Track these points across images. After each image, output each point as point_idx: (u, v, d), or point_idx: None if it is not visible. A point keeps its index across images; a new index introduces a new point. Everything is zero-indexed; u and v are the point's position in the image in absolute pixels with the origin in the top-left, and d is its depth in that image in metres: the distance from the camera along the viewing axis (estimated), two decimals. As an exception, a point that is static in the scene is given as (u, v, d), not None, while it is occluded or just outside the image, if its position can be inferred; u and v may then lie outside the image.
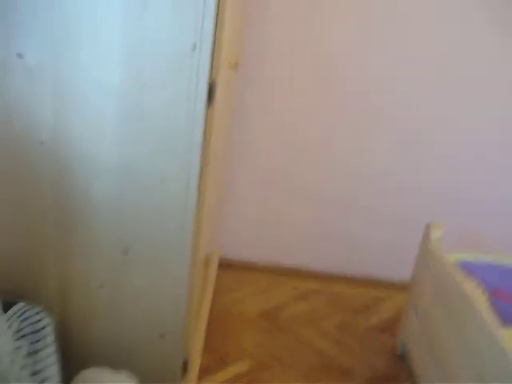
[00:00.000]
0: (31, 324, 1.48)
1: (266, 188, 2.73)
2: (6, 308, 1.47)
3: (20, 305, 1.50)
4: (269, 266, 2.84)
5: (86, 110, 1.41)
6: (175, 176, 1.47)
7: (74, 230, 1.55)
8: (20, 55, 1.38)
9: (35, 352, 1.47)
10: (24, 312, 1.49)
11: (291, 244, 2.81)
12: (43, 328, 1.51)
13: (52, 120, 1.42)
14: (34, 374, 1.45)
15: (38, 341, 1.48)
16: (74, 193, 1.50)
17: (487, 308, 1.71)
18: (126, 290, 1.62)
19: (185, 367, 1.77)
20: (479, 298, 1.75)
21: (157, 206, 1.50)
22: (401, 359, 2.29)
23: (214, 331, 2.35)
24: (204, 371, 2.11)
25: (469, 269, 2.06)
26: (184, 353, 1.72)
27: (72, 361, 1.72)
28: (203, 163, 1.48)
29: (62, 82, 1.39)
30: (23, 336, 1.44)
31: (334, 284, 2.81)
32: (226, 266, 2.82)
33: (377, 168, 2.63)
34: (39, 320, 1.51)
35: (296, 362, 2.26)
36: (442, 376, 1.87)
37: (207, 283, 2.44)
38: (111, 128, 1.42)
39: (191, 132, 1.41)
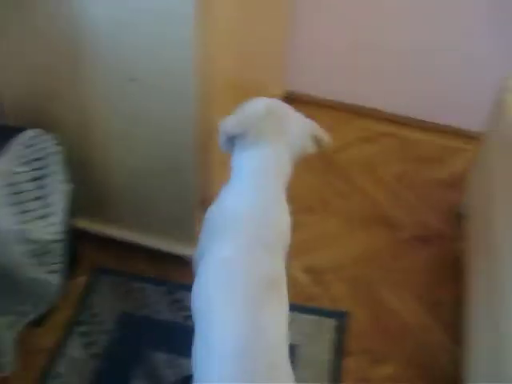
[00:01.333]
0: (36, 151, 1.50)
1: (343, 14, 2.40)
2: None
3: (29, 132, 1.50)
4: (339, 103, 2.59)
5: None
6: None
7: (83, 61, 1.48)
8: None
9: (40, 178, 1.51)
10: (32, 138, 1.50)
11: (366, 83, 2.50)
12: (49, 155, 1.53)
13: None
14: (38, 198, 1.50)
15: (42, 167, 1.51)
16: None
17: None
18: (138, 119, 1.56)
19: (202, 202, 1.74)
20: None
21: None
22: (459, 219, 2.06)
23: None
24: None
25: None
26: (200, 186, 1.67)
27: (92, 190, 1.77)
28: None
29: None
30: (26, 162, 1.47)
31: (408, 129, 2.51)
32: (291, 100, 2.62)
33: None
34: (45, 147, 1.52)
35: (343, 209, 2.15)
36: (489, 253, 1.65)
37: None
38: None
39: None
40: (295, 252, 1.91)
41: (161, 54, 1.40)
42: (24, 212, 1.45)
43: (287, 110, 1.36)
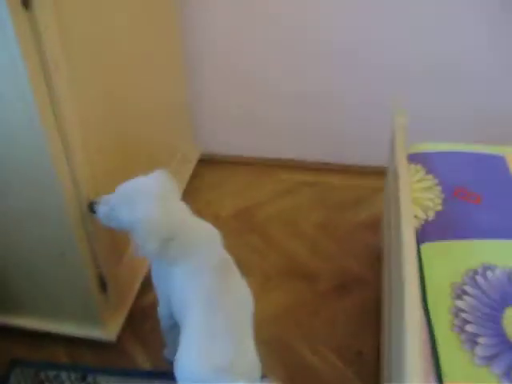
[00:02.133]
0: None
1: (241, 85, 2.44)
2: None
3: None
4: (254, 158, 2.59)
5: None
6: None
7: None
8: None
9: None
10: None
11: (277, 135, 2.51)
12: None
13: None
14: None
15: None
16: None
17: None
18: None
19: (102, 283, 1.70)
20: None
21: None
22: (379, 262, 2.01)
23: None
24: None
25: (430, 162, 1.68)
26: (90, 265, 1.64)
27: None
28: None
29: None
30: None
31: (327, 175, 2.49)
32: (209, 162, 2.62)
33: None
34: None
35: (260, 267, 2.10)
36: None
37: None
38: None
39: None
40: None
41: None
42: None
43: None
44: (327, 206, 2.36)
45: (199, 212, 2.34)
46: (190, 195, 2.42)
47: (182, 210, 1.49)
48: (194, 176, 2.50)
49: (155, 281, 1.52)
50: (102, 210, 1.42)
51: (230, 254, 2.14)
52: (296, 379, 1.73)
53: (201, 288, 1.34)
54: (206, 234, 1.52)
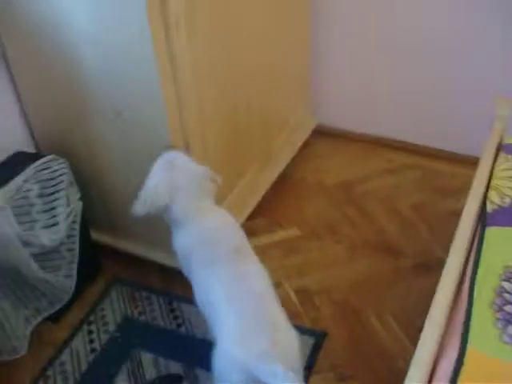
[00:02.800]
0: (49, 173, 1.83)
1: (364, 60, 2.52)
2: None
3: (45, 158, 1.84)
4: (366, 135, 2.67)
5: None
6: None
7: (84, 102, 1.81)
8: None
9: (49, 194, 1.83)
10: (47, 163, 1.84)
11: (392, 114, 2.56)
12: (60, 176, 1.85)
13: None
14: (45, 211, 1.82)
15: (52, 186, 1.83)
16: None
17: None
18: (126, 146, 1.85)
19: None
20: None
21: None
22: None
23: (280, 195, 2.42)
24: (255, 230, 2.24)
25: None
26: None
27: (103, 208, 2.07)
28: None
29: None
30: (39, 181, 1.80)
31: (433, 160, 2.51)
32: (322, 133, 2.75)
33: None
34: (57, 170, 1.85)
35: (350, 237, 2.22)
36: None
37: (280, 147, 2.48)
38: None
39: None
40: (292, 273, 2.05)
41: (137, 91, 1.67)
42: (32, 221, 1.77)
43: (182, 164, 1.60)
44: (428, 190, 2.40)
45: (305, 178, 2.53)
46: (299, 162, 2.59)
47: (202, 200, 1.60)
48: (307, 144, 2.66)
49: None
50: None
51: (324, 221, 2.30)
52: (357, 341, 1.84)
53: (219, 277, 1.41)
54: (222, 222, 1.59)
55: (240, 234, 1.56)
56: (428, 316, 1.21)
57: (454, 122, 2.44)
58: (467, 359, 1.13)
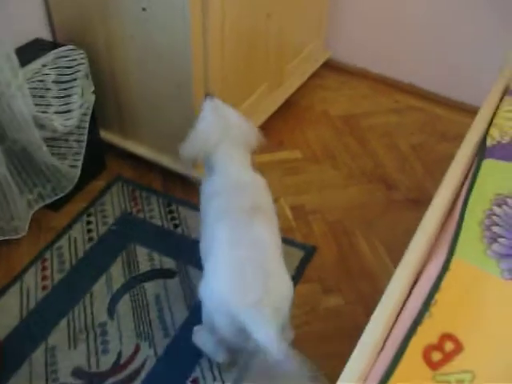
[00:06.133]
0: (67, 61, 1.85)
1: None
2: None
3: (64, 47, 1.86)
4: (376, 74, 2.71)
5: None
6: None
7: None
8: None
9: (66, 82, 1.85)
10: (66, 51, 1.86)
11: (407, 58, 2.60)
12: (77, 66, 1.88)
13: None
14: (61, 97, 1.85)
15: (69, 74, 1.86)
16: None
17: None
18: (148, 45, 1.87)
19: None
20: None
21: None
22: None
23: (286, 119, 2.48)
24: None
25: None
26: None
27: (115, 106, 2.11)
28: None
29: None
30: (56, 68, 1.82)
31: (437, 106, 2.57)
32: (333, 67, 2.79)
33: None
34: (75, 59, 1.87)
35: (347, 165, 2.29)
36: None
37: (291, 74, 2.51)
38: None
39: None
40: (289, 191, 2.13)
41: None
42: (47, 105, 1.81)
43: (230, 115, 1.61)
44: (429, 133, 2.47)
45: (311, 107, 2.58)
46: (307, 91, 2.64)
47: (242, 153, 1.59)
48: (317, 75, 2.70)
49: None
50: None
51: (325, 147, 2.36)
52: (345, 259, 1.94)
53: (228, 224, 1.40)
54: (251, 180, 1.57)
55: (267, 199, 1.53)
56: (420, 224, 1.29)
57: (465, 71, 2.48)
58: (452, 265, 1.23)
